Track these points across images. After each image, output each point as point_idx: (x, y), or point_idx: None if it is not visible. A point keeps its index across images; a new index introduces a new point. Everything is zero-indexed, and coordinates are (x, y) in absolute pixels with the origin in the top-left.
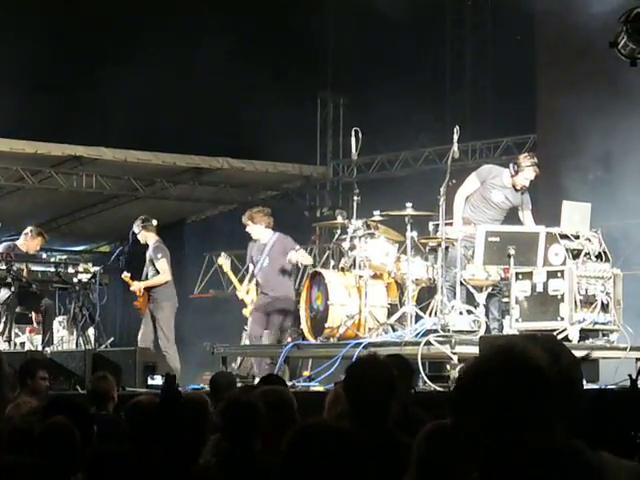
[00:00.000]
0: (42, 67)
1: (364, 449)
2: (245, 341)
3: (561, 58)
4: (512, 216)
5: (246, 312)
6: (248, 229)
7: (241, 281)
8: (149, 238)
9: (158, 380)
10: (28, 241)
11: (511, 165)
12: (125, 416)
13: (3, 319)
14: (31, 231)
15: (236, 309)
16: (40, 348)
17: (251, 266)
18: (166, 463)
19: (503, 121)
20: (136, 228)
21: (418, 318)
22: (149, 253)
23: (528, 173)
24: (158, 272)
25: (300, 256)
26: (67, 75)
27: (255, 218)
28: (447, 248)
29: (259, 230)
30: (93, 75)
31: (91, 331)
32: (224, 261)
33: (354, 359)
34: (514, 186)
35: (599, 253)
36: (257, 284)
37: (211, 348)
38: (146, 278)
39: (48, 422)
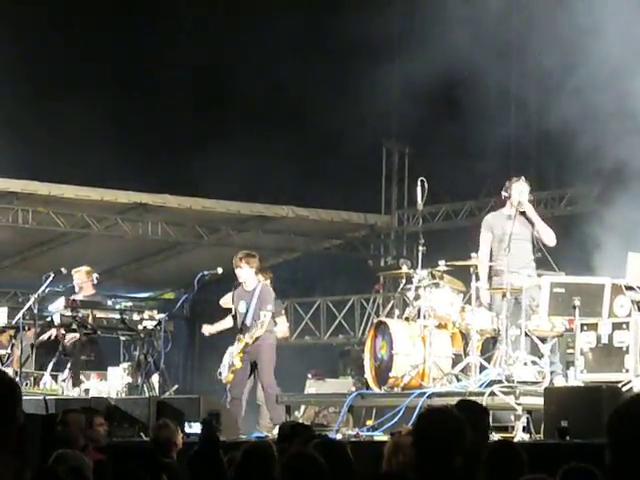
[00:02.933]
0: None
1: None
2: (309, 389)
3: None
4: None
5: (237, 365)
6: (240, 272)
7: None
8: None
9: (196, 428)
10: (82, 279)
11: (502, 194)
12: (187, 464)
13: (69, 365)
14: (79, 272)
15: (300, 357)
16: (105, 395)
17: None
18: None
19: (568, 171)
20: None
21: (482, 368)
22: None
23: (519, 186)
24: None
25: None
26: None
27: (251, 262)
28: (516, 298)
29: (251, 275)
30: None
31: (155, 378)
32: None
33: (419, 408)
34: (517, 210)
35: None
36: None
37: (275, 397)
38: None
39: (120, 470)
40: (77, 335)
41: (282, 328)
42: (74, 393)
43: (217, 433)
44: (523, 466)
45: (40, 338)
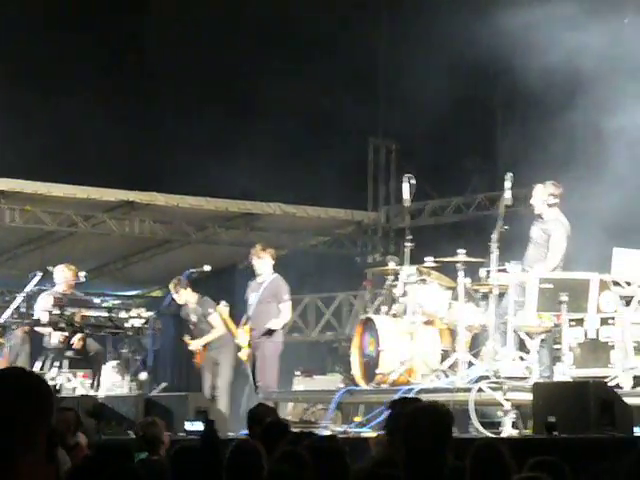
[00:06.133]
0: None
1: None
2: (297, 386)
3: None
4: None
5: (242, 355)
6: (258, 262)
7: None
8: (189, 296)
9: (198, 425)
10: (65, 276)
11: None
12: (170, 461)
13: (57, 364)
14: (61, 269)
15: (288, 353)
16: (93, 393)
17: (249, 307)
18: None
19: (557, 166)
20: (173, 292)
21: (470, 365)
22: (197, 310)
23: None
24: (212, 326)
25: (274, 324)
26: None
27: (273, 254)
28: (500, 294)
29: (267, 265)
30: None
31: (143, 376)
32: (222, 309)
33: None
34: (538, 215)
35: None
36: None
37: (266, 394)
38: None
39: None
40: (66, 334)
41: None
42: (100, 393)
43: (217, 433)
44: (508, 466)
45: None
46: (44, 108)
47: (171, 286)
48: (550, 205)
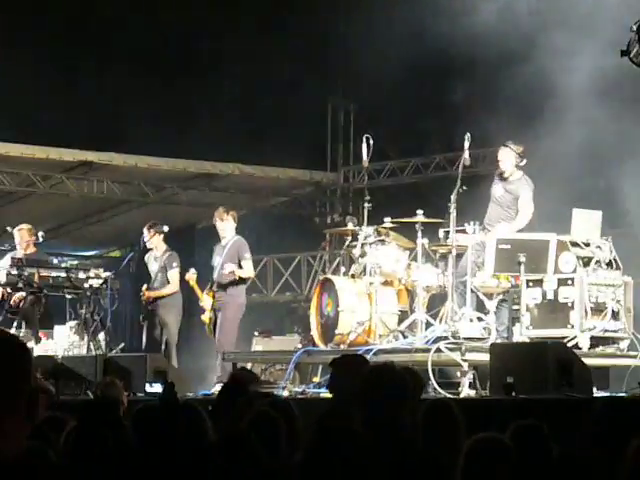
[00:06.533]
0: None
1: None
2: (255, 347)
3: None
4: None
5: (204, 318)
6: (221, 225)
7: None
8: (159, 244)
9: (157, 387)
10: (23, 237)
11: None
12: (131, 422)
13: (15, 324)
14: (20, 230)
15: (246, 314)
16: (51, 353)
17: (214, 270)
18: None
19: (514, 127)
20: (146, 233)
21: (428, 325)
22: (162, 260)
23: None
24: (168, 281)
25: (236, 269)
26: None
27: (230, 214)
28: (458, 255)
29: (230, 228)
30: None
31: (102, 336)
32: (191, 277)
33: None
34: (501, 174)
35: (610, 261)
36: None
37: (222, 354)
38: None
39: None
40: (24, 294)
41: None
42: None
43: (177, 395)
44: (459, 424)
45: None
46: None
47: (147, 227)
48: (518, 167)
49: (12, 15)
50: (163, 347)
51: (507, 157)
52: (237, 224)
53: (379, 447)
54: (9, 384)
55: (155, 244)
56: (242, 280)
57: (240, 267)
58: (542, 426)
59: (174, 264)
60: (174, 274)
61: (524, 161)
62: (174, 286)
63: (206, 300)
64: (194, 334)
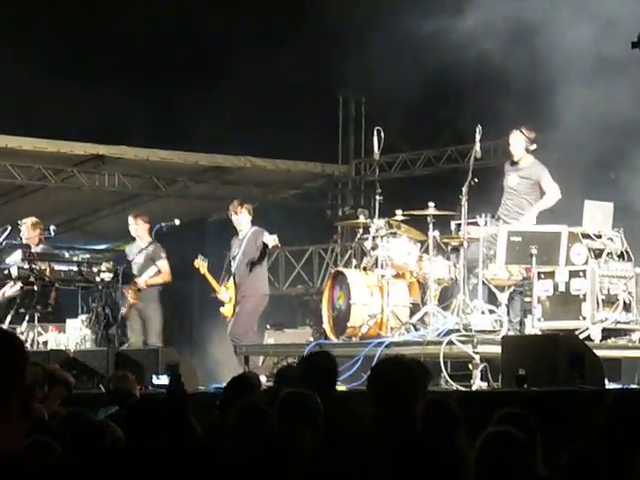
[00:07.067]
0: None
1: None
2: (268, 340)
3: None
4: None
5: (224, 311)
6: (236, 218)
7: None
8: (144, 235)
9: (164, 379)
10: (28, 232)
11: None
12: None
13: (27, 318)
14: (25, 224)
15: None
16: (63, 347)
17: (232, 263)
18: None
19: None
20: (131, 222)
21: (440, 318)
22: (148, 251)
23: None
24: (160, 272)
25: (271, 239)
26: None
27: (245, 207)
28: (470, 248)
29: (246, 221)
30: None
31: (113, 330)
32: (201, 264)
33: (377, 358)
34: (514, 163)
35: (621, 252)
36: (234, 282)
37: (234, 348)
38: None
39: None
40: (35, 287)
41: None
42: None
43: (184, 387)
44: (457, 420)
45: (7, 295)
46: (5, 60)
47: (132, 216)
48: (529, 151)
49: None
50: (143, 338)
51: (517, 140)
52: (252, 217)
53: (387, 438)
54: (5, 383)
55: (140, 234)
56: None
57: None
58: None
59: (162, 254)
60: (165, 264)
61: (534, 145)
62: (167, 275)
63: (224, 292)
64: (208, 328)
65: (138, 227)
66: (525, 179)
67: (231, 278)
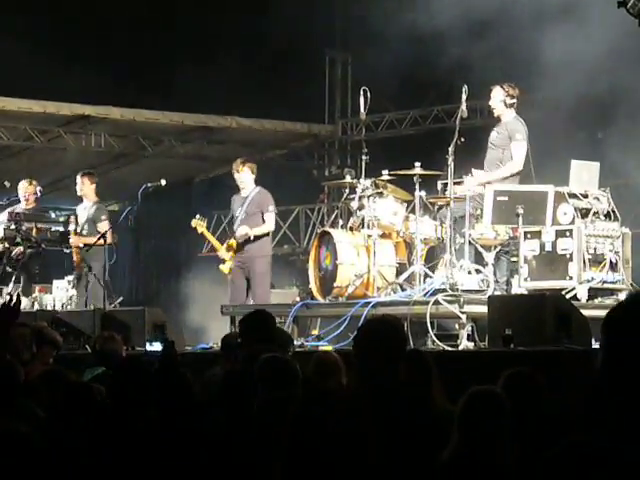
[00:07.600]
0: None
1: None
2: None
3: None
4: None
5: (223, 268)
6: (238, 176)
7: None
8: (90, 194)
9: (157, 346)
10: (26, 191)
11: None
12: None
13: (13, 278)
14: (21, 183)
15: None
16: (50, 307)
17: (234, 221)
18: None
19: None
20: (79, 180)
21: (426, 277)
22: (89, 211)
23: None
24: (98, 232)
25: (249, 230)
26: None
27: (253, 168)
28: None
29: (249, 179)
30: None
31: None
32: (199, 223)
33: (364, 318)
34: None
35: (608, 212)
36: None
37: (220, 307)
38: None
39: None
40: (22, 248)
41: None
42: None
43: (176, 354)
44: (430, 372)
45: None
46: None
47: (80, 174)
48: (508, 105)
49: None
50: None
51: (496, 95)
52: (255, 175)
53: (374, 399)
54: None
55: (85, 193)
56: (265, 233)
57: (263, 220)
58: (534, 375)
59: (102, 217)
60: (104, 226)
61: (514, 100)
62: (109, 237)
63: (223, 250)
64: (193, 287)
65: (84, 186)
66: (502, 133)
67: (233, 237)
